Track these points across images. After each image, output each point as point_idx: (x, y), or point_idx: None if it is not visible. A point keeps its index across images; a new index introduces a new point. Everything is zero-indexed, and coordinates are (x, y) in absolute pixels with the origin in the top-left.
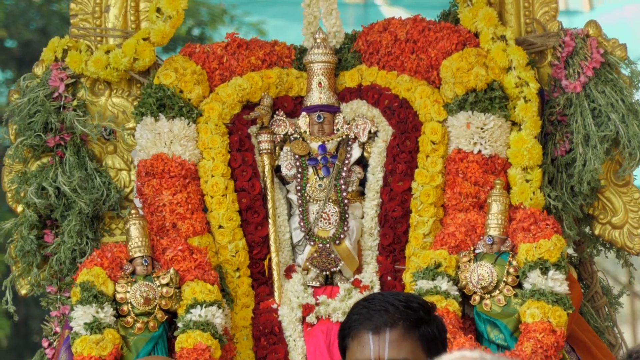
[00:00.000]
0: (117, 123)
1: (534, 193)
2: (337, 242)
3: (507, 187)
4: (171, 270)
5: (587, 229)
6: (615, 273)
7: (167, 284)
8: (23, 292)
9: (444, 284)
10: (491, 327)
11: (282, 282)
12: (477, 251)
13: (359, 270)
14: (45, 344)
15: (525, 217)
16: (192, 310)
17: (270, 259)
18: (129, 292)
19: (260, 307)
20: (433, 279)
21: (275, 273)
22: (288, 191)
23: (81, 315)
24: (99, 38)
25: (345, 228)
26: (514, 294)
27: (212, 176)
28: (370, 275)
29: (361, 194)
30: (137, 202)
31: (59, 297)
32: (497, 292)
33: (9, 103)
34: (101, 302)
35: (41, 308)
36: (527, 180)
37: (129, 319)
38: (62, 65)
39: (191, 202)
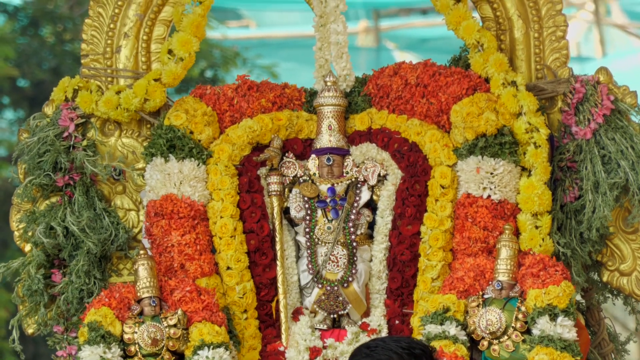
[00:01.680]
0: (126, 163)
1: (543, 240)
2: (345, 285)
3: (516, 233)
4: (179, 311)
5: (595, 276)
6: (625, 320)
7: (174, 325)
8: (30, 331)
9: (452, 329)
10: None
11: (289, 325)
12: (485, 296)
13: (366, 313)
14: None
15: (534, 262)
16: (199, 352)
17: (277, 301)
18: (136, 332)
19: (268, 350)
20: (441, 324)
21: (282, 315)
22: (297, 233)
23: (88, 356)
24: (109, 78)
25: (353, 271)
26: (522, 340)
27: (221, 217)
28: (378, 319)
29: (370, 237)
30: (146, 243)
31: (65, 337)
32: (506, 337)
33: (19, 142)
34: (109, 343)
35: (49, 347)
36: (537, 227)
37: (136, 359)
38: (72, 105)
39: (200, 243)
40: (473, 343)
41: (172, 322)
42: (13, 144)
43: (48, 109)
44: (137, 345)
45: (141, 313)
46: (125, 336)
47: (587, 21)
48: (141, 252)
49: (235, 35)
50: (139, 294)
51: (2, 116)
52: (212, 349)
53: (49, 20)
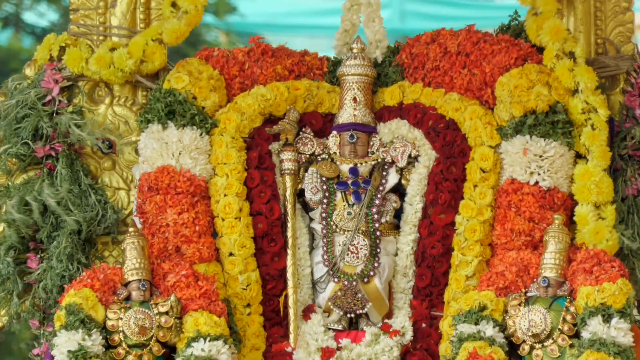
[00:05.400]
0: (118, 136)
1: (610, 233)
2: (366, 280)
3: (567, 226)
4: (172, 297)
5: None
6: None
7: (166, 313)
8: None
9: (489, 329)
10: None
11: (299, 324)
12: (529, 294)
13: (388, 315)
14: None
15: (587, 257)
16: (193, 344)
17: (286, 296)
18: (122, 319)
19: (272, 350)
20: (476, 323)
21: (292, 312)
22: (311, 220)
23: (65, 342)
24: (102, 37)
25: (375, 264)
26: (569, 345)
27: (225, 195)
28: (402, 320)
29: (396, 227)
30: (138, 222)
31: (42, 332)
32: (551, 341)
33: None
34: (89, 328)
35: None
36: (602, 219)
37: (120, 350)
38: (57, 65)
39: (199, 223)
40: (512, 348)
41: (163, 309)
42: None
43: (29, 70)
44: (121, 334)
45: (128, 298)
46: (109, 322)
47: None
48: (131, 229)
49: None
50: (126, 277)
51: None
52: (209, 341)
53: None
